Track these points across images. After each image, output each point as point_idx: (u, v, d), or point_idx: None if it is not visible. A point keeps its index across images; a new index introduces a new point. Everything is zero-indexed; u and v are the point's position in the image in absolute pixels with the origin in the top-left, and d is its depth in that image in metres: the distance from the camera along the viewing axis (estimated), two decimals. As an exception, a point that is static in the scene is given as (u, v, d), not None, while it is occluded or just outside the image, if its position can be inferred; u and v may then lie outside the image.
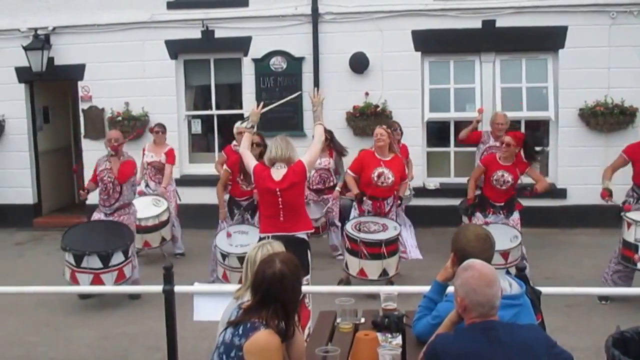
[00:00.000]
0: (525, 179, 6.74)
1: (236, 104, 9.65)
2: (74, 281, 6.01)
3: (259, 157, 6.25)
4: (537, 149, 6.77)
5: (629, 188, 6.18)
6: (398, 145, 7.49)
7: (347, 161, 7.70)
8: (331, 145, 7.59)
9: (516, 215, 6.43)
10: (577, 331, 5.11)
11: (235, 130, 7.41)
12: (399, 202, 6.52)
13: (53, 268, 7.06)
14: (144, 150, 7.85)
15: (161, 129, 7.89)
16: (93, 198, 6.76)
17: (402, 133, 7.60)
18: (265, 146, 6.42)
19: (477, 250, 2.81)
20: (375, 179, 6.21)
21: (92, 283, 5.96)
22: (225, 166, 6.69)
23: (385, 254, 6.05)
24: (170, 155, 7.84)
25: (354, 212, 6.56)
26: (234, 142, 7.35)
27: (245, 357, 2.54)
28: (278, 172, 4.81)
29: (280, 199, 4.78)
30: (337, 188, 7.43)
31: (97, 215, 6.62)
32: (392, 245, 6.13)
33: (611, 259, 6.07)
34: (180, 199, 8.11)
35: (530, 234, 7.96)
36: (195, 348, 4.89)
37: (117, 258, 6.06)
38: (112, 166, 6.42)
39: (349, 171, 6.56)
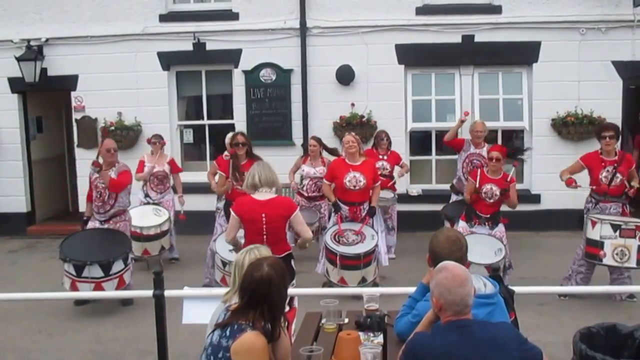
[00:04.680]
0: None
1: (227, 114, 9.80)
2: (74, 289, 5.94)
3: (247, 155, 6.51)
4: (520, 152, 7.14)
5: (587, 195, 6.49)
6: (387, 152, 7.79)
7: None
8: (322, 153, 7.78)
9: (501, 228, 6.49)
10: (548, 327, 5.31)
11: (227, 141, 7.66)
12: (373, 212, 6.64)
13: (46, 275, 7.12)
14: (142, 162, 7.80)
15: (158, 139, 7.96)
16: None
17: (390, 142, 7.88)
18: (250, 145, 6.62)
19: (446, 252, 2.92)
20: (347, 183, 6.44)
21: (94, 290, 5.91)
22: (218, 171, 6.80)
23: (363, 264, 6.27)
24: (175, 165, 7.98)
25: (332, 219, 6.77)
26: (226, 152, 7.51)
27: (232, 358, 2.57)
28: (263, 195, 4.68)
29: (264, 225, 4.63)
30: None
31: (92, 224, 6.47)
32: (370, 256, 6.33)
33: (574, 261, 6.36)
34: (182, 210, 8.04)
35: (507, 237, 8.36)
36: (186, 351, 4.88)
37: (118, 266, 6.05)
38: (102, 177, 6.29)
39: (325, 181, 6.78)
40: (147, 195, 7.88)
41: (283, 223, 4.74)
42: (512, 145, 9.43)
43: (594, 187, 6.35)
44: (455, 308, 2.49)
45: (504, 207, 6.64)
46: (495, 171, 6.41)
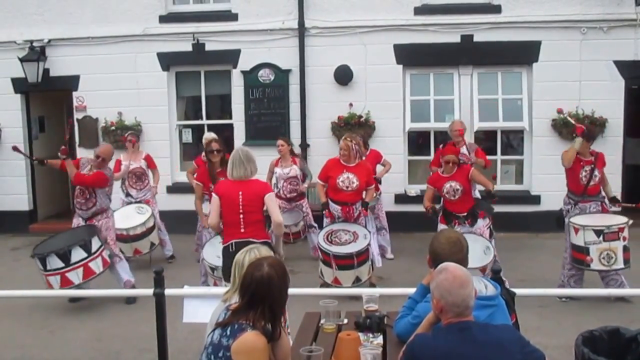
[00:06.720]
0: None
1: (226, 114, 9.85)
2: (49, 286, 5.99)
3: (221, 164, 6.36)
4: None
5: (564, 195, 6.48)
6: (365, 151, 7.58)
7: (313, 163, 7.97)
8: (293, 153, 7.79)
9: (480, 223, 6.50)
10: (549, 330, 5.32)
11: (204, 141, 7.34)
12: (365, 205, 6.67)
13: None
14: (118, 161, 7.69)
15: (134, 137, 7.95)
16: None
17: (365, 142, 7.76)
18: (224, 151, 6.48)
19: (447, 252, 2.92)
20: (340, 184, 6.46)
21: (61, 283, 5.94)
22: (195, 180, 6.71)
23: (357, 263, 6.25)
24: (151, 160, 7.91)
25: (325, 221, 6.75)
26: (204, 154, 7.31)
27: (232, 357, 2.57)
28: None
29: (241, 202, 4.79)
30: (305, 185, 7.67)
31: (76, 222, 6.58)
32: (363, 255, 6.31)
33: (564, 264, 6.33)
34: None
35: (506, 238, 8.18)
36: (186, 349, 4.95)
37: (77, 255, 5.98)
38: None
39: (318, 180, 6.78)
40: (128, 195, 7.82)
41: (259, 203, 4.87)
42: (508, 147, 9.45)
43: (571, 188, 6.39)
44: (456, 310, 2.48)
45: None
46: (449, 172, 6.47)
